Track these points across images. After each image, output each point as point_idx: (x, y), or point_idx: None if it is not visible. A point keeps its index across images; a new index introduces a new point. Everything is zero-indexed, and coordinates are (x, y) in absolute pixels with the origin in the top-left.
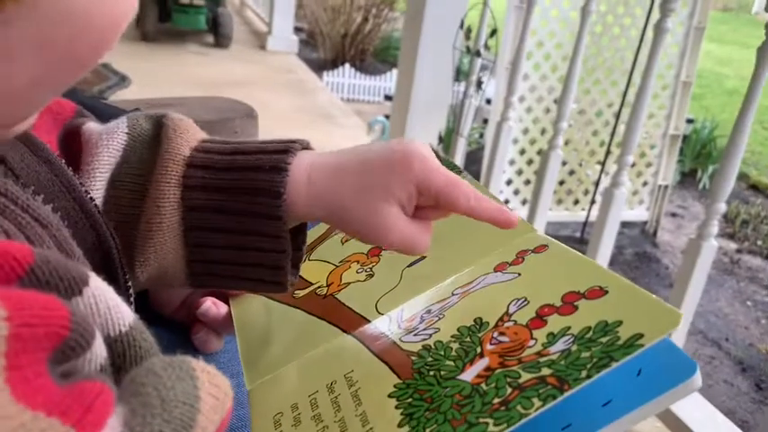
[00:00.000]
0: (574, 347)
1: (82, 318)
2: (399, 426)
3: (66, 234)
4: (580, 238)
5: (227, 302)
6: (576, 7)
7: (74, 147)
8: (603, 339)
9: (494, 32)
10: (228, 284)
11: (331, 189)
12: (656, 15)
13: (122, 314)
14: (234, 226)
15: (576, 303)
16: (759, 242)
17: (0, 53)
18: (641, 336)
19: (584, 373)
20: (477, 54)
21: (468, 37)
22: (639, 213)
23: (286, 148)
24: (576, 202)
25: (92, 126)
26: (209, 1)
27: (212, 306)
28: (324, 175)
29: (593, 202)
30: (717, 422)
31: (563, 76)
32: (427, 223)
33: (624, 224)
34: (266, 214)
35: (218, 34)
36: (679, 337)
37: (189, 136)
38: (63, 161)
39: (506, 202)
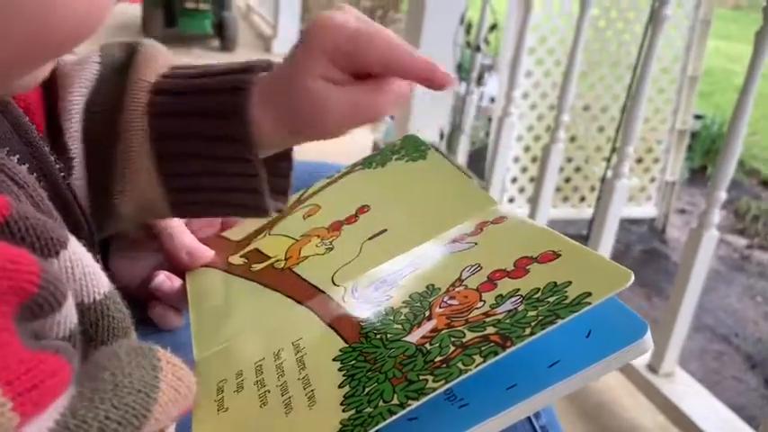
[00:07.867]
0: (521, 307)
1: (54, 277)
2: (340, 386)
3: (44, 195)
4: (587, 236)
5: (182, 277)
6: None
7: (50, 80)
8: (551, 299)
9: (494, 27)
10: (213, 212)
11: (268, 93)
12: None
13: (99, 282)
14: (203, 151)
15: (527, 267)
16: None
17: None
18: (589, 294)
19: (527, 331)
20: (477, 49)
21: (468, 32)
22: (647, 210)
23: (248, 67)
24: (583, 199)
25: (66, 57)
26: (215, 5)
27: (166, 280)
28: (265, 86)
29: (599, 198)
30: (721, 417)
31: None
32: (379, 81)
33: (632, 221)
34: (230, 137)
35: (223, 38)
36: (682, 331)
37: (157, 63)
38: (32, 124)
39: (511, 200)
